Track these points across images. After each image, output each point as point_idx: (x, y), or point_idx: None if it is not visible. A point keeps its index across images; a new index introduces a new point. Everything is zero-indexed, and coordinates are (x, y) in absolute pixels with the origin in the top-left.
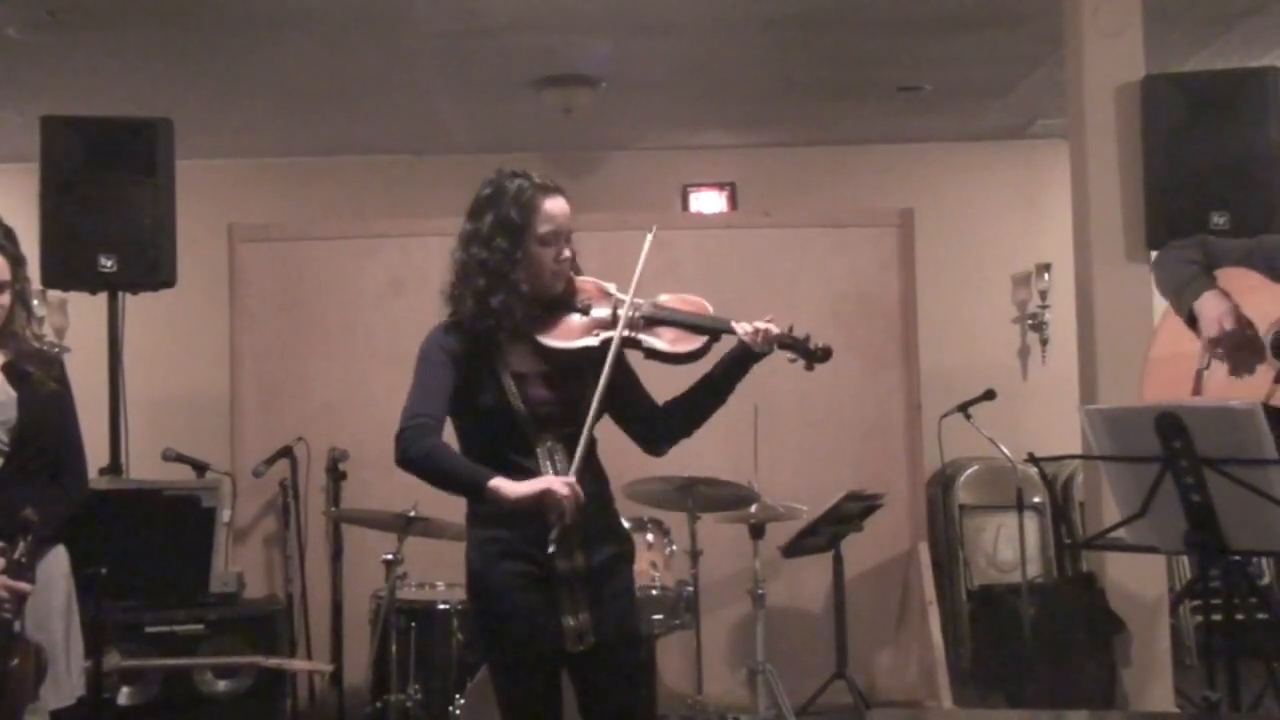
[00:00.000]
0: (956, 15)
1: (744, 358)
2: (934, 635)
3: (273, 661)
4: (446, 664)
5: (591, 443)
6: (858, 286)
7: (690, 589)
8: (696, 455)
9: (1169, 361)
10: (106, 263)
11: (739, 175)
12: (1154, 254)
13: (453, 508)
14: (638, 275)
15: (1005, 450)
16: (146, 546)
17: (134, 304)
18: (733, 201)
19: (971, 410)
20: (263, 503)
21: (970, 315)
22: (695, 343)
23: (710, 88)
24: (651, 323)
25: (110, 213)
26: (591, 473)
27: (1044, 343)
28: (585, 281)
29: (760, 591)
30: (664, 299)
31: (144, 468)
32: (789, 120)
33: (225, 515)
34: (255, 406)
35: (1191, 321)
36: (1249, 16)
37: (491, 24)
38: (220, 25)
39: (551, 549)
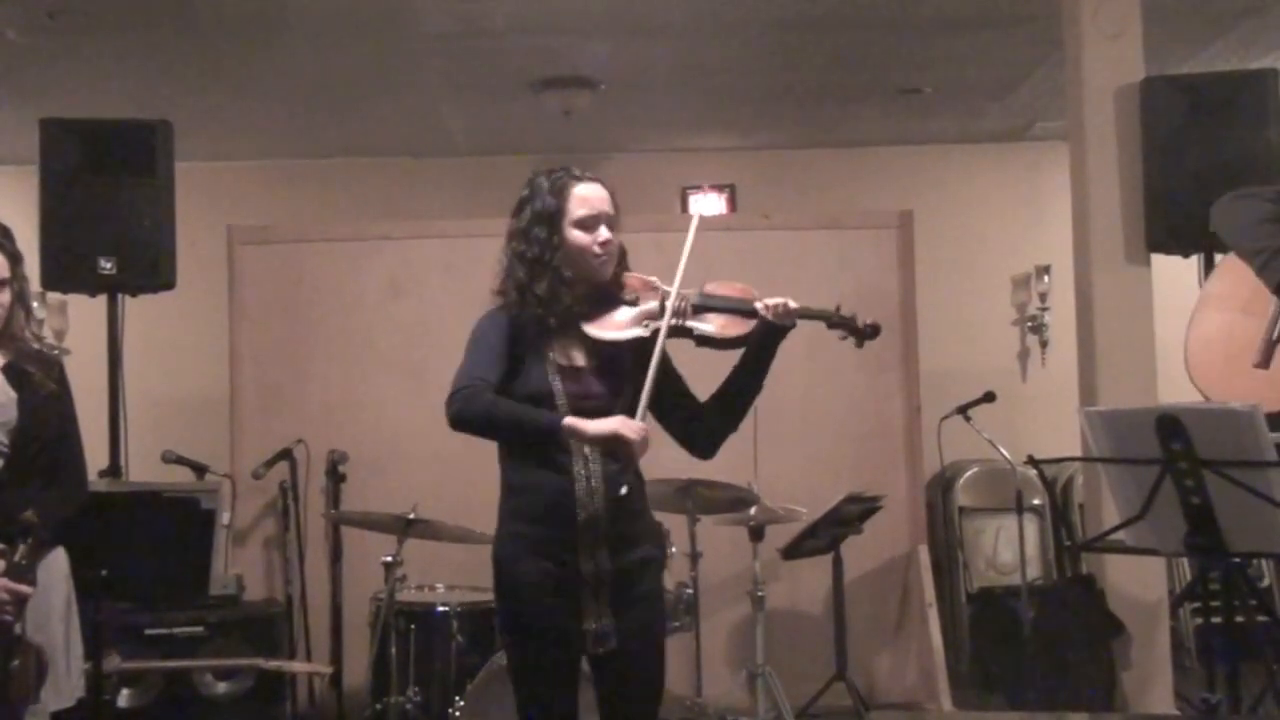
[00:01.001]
0: (956, 17)
1: (767, 336)
2: (934, 637)
3: (272, 664)
4: (446, 666)
5: None
6: (857, 289)
7: (690, 591)
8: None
9: (1227, 328)
10: (106, 265)
11: (739, 177)
12: (1210, 224)
13: (453, 510)
14: (683, 262)
15: (1005, 452)
16: (146, 549)
17: (133, 306)
18: (732, 204)
19: (971, 412)
20: (262, 505)
21: (970, 317)
22: (745, 326)
23: (710, 90)
24: (700, 309)
25: (110, 215)
26: (632, 470)
27: (1043, 345)
28: (631, 276)
29: (760, 593)
30: (711, 287)
31: (144, 470)
32: (789, 122)
33: (225, 517)
34: (255, 409)
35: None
36: (1248, 18)
37: (490, 26)
38: (219, 27)
39: (624, 490)
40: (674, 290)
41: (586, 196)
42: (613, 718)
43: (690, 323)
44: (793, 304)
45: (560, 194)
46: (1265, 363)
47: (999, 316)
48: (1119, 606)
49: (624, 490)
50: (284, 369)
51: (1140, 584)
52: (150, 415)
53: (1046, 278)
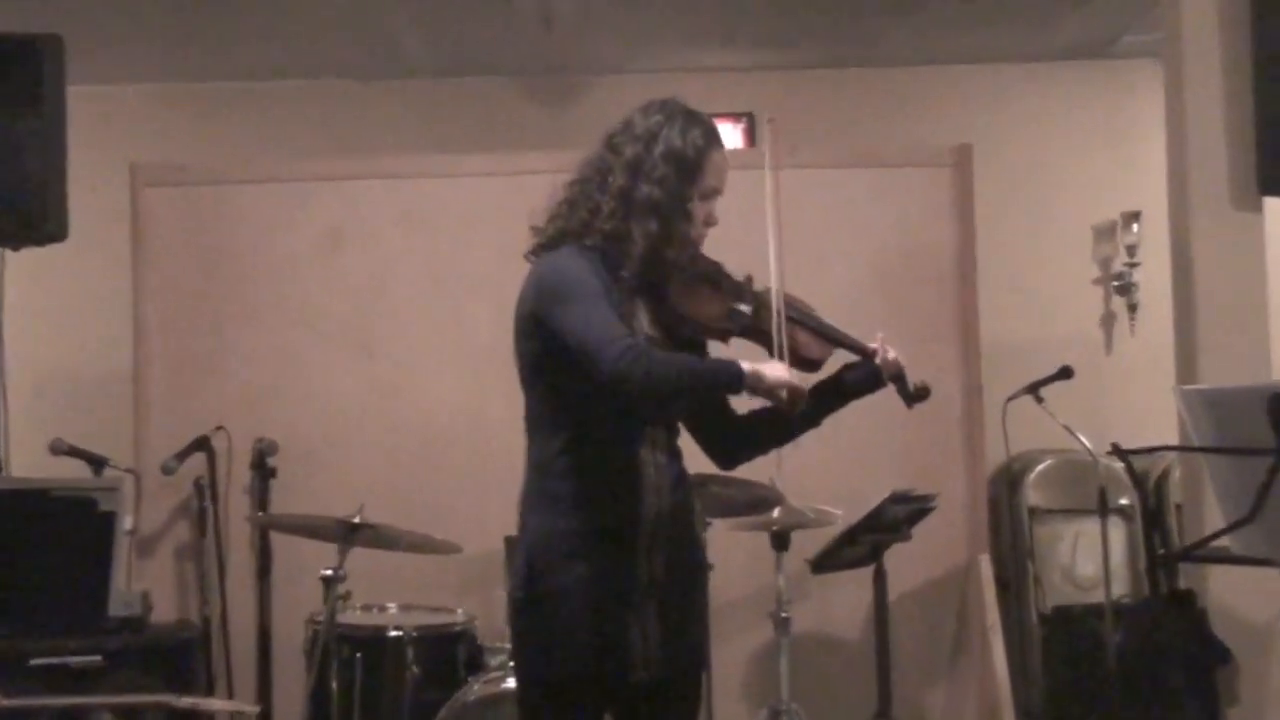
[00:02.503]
0: None
1: (869, 383)
2: (997, 668)
3: (186, 701)
4: (398, 703)
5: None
6: (903, 240)
7: None
8: None
9: None
10: None
11: (757, 104)
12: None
13: (409, 513)
14: (774, 249)
15: (1085, 441)
16: (30, 560)
17: (15, 262)
18: (750, 137)
19: (1043, 392)
20: (173, 506)
21: (1042, 275)
22: (826, 351)
23: None
24: (789, 320)
25: None
26: (685, 474)
27: (1132, 309)
28: (701, 255)
29: (784, 615)
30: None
31: (27, 463)
32: (818, 37)
33: (127, 522)
34: (164, 388)
35: None
36: None
37: None
38: None
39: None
40: (774, 286)
41: (721, 167)
42: None
43: (780, 333)
44: (894, 354)
45: (702, 152)
46: None
47: (1077, 274)
48: (1225, 629)
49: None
50: (200, 339)
51: (1250, 602)
52: (35, 396)
53: (1135, 227)
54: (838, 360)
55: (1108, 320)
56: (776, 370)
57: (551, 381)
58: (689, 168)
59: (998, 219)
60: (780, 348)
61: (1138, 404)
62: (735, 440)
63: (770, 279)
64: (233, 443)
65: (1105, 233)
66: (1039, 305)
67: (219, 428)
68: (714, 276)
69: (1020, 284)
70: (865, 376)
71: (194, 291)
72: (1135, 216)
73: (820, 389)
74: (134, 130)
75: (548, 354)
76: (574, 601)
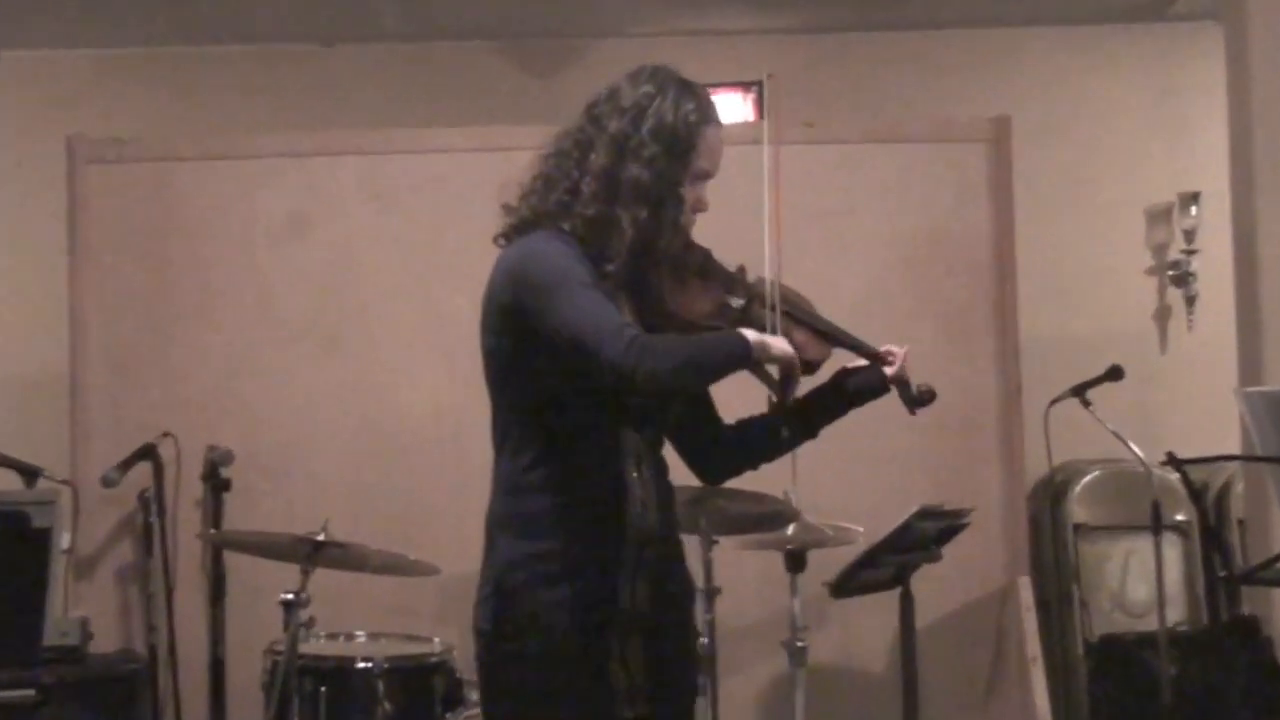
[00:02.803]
0: None
1: (873, 390)
2: (1038, 704)
3: None
4: None
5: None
6: (933, 224)
7: (705, 640)
8: None
9: None
10: None
11: (769, 71)
12: None
13: (379, 530)
14: (770, 235)
15: (1136, 449)
16: None
17: None
18: (760, 108)
19: (1090, 395)
20: (116, 522)
21: (1089, 264)
22: (823, 352)
23: None
24: (783, 316)
25: None
26: (671, 491)
27: (1189, 301)
28: (689, 243)
29: (800, 644)
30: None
31: None
32: None
33: (64, 539)
34: (105, 390)
35: None
36: None
37: None
38: None
39: (785, 433)
40: (769, 279)
41: (716, 147)
42: None
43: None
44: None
45: (694, 130)
46: None
47: (1128, 263)
48: None
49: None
50: (145, 334)
51: None
52: None
53: (1194, 209)
54: (836, 363)
55: (1162, 314)
56: (781, 342)
57: (526, 385)
58: (681, 147)
59: (1039, 201)
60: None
61: (1196, 408)
62: (722, 451)
63: (765, 270)
64: (181, 451)
65: (1160, 216)
66: (1085, 298)
67: (166, 434)
68: (703, 268)
69: (1064, 274)
70: (868, 381)
71: (138, 281)
72: (1193, 198)
73: (818, 395)
74: (71, 101)
75: (523, 352)
76: (550, 633)
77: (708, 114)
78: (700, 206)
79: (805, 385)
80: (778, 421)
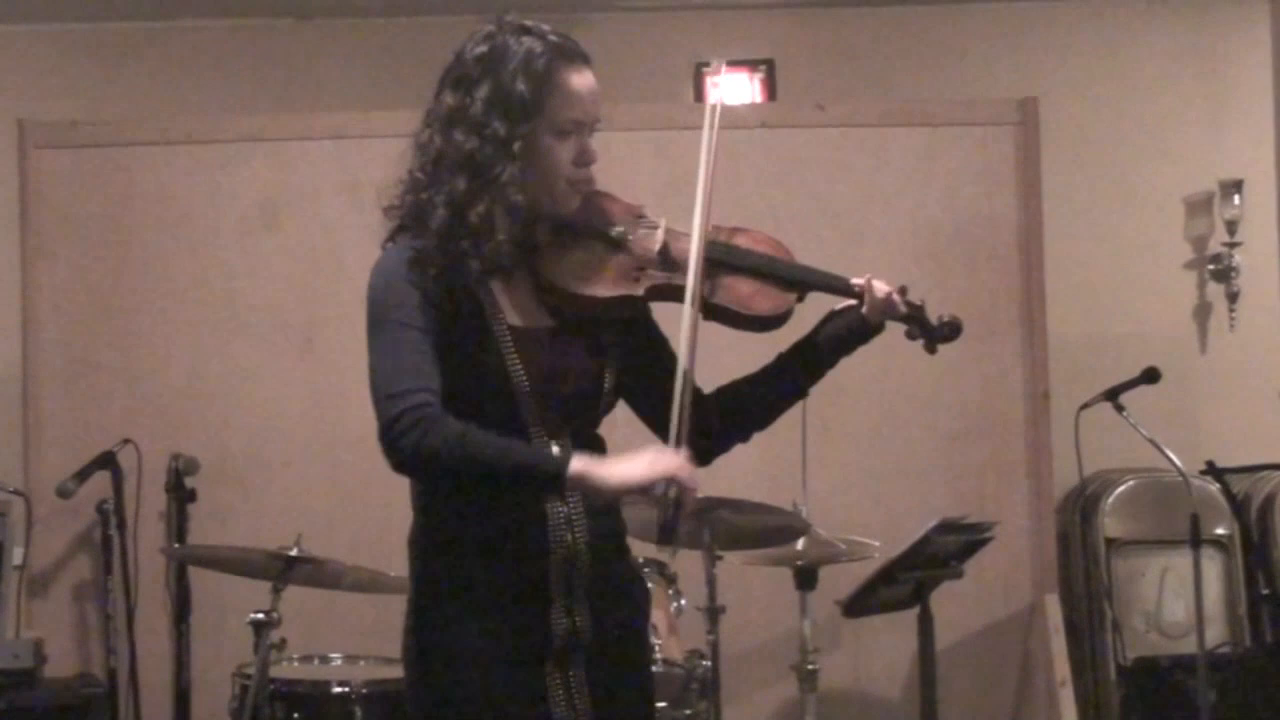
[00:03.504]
0: None
1: (853, 331)
2: None
3: None
4: None
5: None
6: (955, 215)
7: (707, 663)
8: (717, 465)
9: None
10: None
11: (779, 50)
12: None
13: (355, 544)
14: (703, 178)
15: (1174, 458)
16: None
17: None
18: (770, 88)
19: (1124, 399)
20: (72, 536)
21: (1123, 257)
22: (779, 301)
23: None
24: (720, 268)
25: None
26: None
27: (1232, 298)
28: (608, 200)
29: (811, 666)
30: (736, 237)
31: None
32: None
33: (16, 554)
34: (60, 393)
35: None
36: None
37: None
38: None
39: (671, 555)
40: (696, 227)
41: (579, 91)
42: None
43: (706, 286)
44: (897, 297)
45: (542, 81)
46: None
47: (1166, 256)
48: None
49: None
50: (103, 333)
51: None
52: None
53: (1237, 199)
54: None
55: (1202, 312)
56: (633, 470)
57: None
58: (522, 104)
59: (1069, 189)
60: (696, 299)
61: (1237, 413)
62: (701, 425)
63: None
64: (143, 459)
65: (1200, 206)
66: (1119, 294)
67: (126, 441)
68: (605, 225)
69: (1096, 268)
70: (852, 323)
71: (95, 276)
72: (1236, 186)
73: (799, 348)
74: (22, 81)
75: None
76: (481, 669)
77: (557, 59)
78: (585, 159)
79: (777, 337)
80: (665, 540)
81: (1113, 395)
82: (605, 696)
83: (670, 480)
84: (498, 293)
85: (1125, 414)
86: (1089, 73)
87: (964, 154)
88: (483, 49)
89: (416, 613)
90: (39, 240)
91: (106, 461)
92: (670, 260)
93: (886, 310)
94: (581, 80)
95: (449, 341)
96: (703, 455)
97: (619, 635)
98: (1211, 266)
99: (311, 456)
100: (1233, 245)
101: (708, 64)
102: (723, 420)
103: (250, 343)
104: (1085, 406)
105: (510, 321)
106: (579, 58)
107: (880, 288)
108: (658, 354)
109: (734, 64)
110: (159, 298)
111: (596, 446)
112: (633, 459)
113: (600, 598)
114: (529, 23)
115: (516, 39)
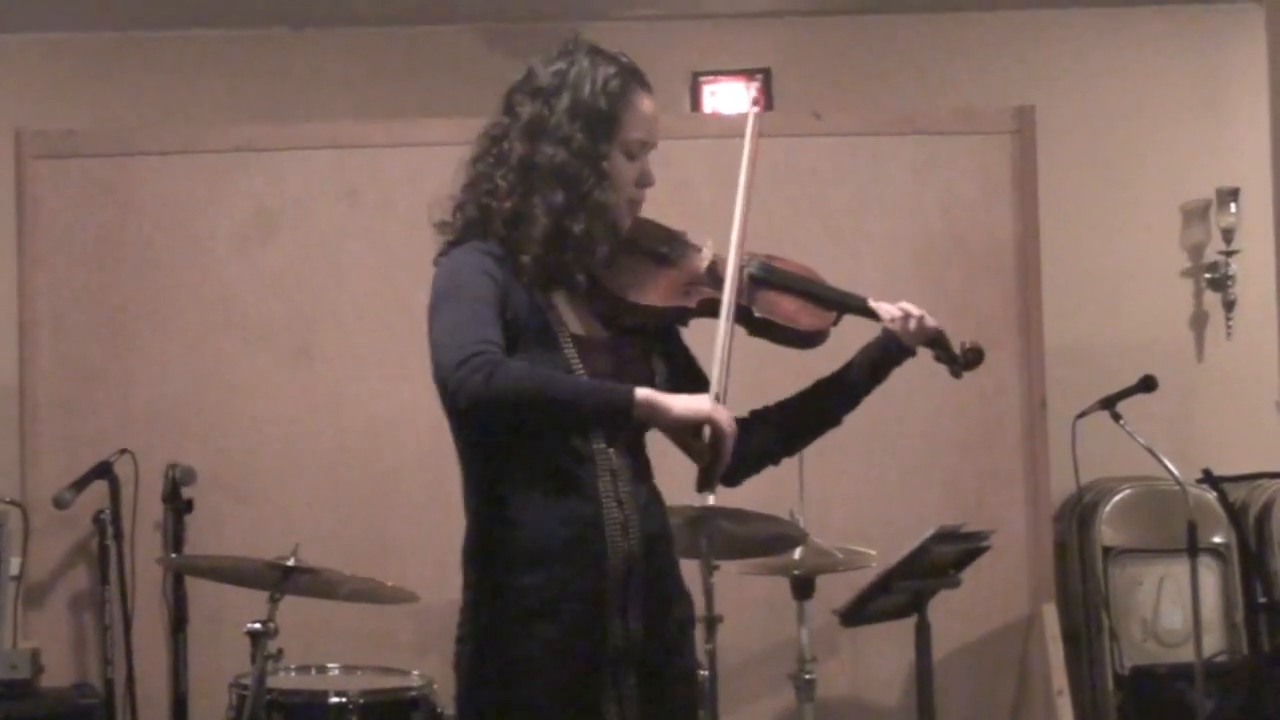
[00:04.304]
0: None
1: (886, 356)
2: None
3: None
4: None
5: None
6: (951, 224)
7: (705, 673)
8: None
9: None
10: None
11: (775, 58)
12: None
13: (353, 554)
14: (740, 208)
15: (1171, 467)
16: None
17: None
18: (766, 97)
19: (1121, 407)
20: (69, 546)
21: (1119, 266)
22: (821, 319)
23: None
24: (763, 285)
25: None
26: (657, 497)
27: (1229, 306)
28: (652, 222)
29: (808, 676)
30: (775, 260)
31: None
32: None
33: (13, 565)
34: (57, 403)
35: None
36: None
37: None
38: None
39: (710, 498)
40: (733, 243)
41: (647, 114)
42: None
43: (750, 300)
44: (930, 319)
45: (618, 99)
46: None
47: (1162, 265)
48: None
49: (710, 499)
50: (100, 343)
51: None
52: None
53: (1234, 207)
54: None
55: (1199, 320)
56: (693, 403)
57: None
58: (602, 120)
59: (1065, 197)
60: (730, 312)
61: (1234, 422)
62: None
63: (731, 244)
64: (140, 469)
65: (1196, 214)
66: (1115, 302)
67: (123, 451)
68: (655, 244)
69: (1093, 277)
70: (877, 347)
71: (92, 285)
72: (1233, 194)
73: (836, 375)
74: (19, 90)
75: None
76: (536, 676)
77: (631, 81)
78: (645, 181)
79: (813, 356)
80: (706, 485)
81: (1110, 404)
82: (656, 701)
83: (716, 425)
84: (560, 303)
85: (1122, 422)
86: (1085, 81)
87: (960, 163)
88: (560, 65)
89: (474, 620)
90: (35, 250)
91: (103, 471)
92: (718, 277)
93: (919, 335)
94: (649, 104)
95: (515, 348)
96: (733, 476)
97: (671, 638)
98: (1208, 275)
99: (309, 466)
100: (1230, 253)
101: (704, 73)
102: (764, 441)
103: (247, 352)
104: (1082, 415)
105: (573, 331)
106: (646, 83)
107: (893, 310)
108: (693, 372)
109: (729, 73)
110: (156, 307)
111: (643, 456)
112: (694, 399)
113: (654, 600)
114: (600, 46)
115: (591, 60)
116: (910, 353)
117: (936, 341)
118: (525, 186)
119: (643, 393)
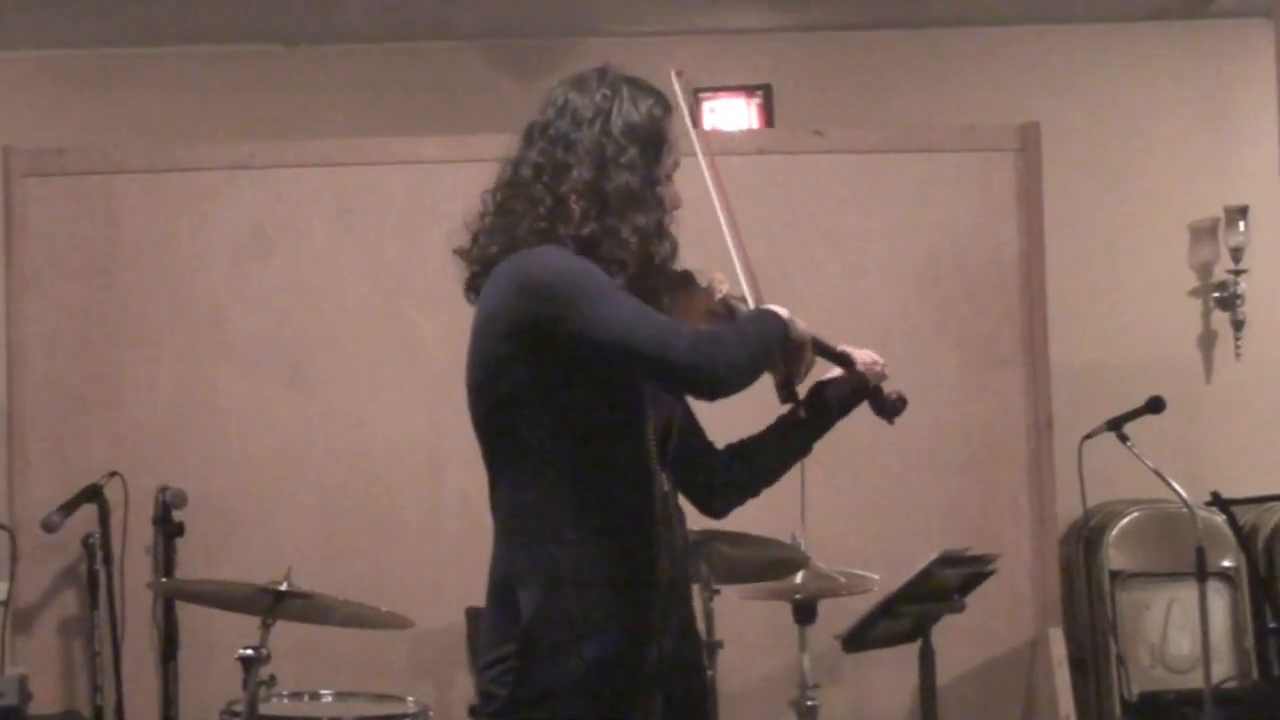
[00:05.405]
0: None
1: (855, 392)
2: None
3: None
4: None
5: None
6: (956, 242)
7: None
8: None
9: None
10: None
11: (776, 75)
12: None
13: (346, 579)
14: (726, 222)
15: (1179, 489)
16: None
17: None
18: (767, 114)
19: (1128, 429)
20: (58, 570)
21: (1126, 285)
22: (811, 359)
23: None
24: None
25: None
26: (681, 514)
27: (1237, 326)
28: None
29: (810, 702)
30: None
31: None
32: None
33: (1, 590)
34: (45, 424)
35: None
36: None
37: None
38: None
39: (802, 413)
40: (741, 268)
41: (678, 140)
42: None
43: None
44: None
45: (661, 120)
46: None
47: (1171, 283)
48: None
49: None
50: (89, 364)
51: None
52: None
53: (1242, 225)
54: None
55: (1207, 340)
56: (784, 313)
57: (544, 418)
58: (653, 144)
59: (1071, 215)
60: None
61: (1244, 443)
62: (723, 474)
63: (740, 280)
64: (130, 492)
65: (1204, 233)
66: (1122, 322)
67: (113, 474)
68: (687, 275)
69: (1099, 296)
70: (850, 389)
71: (81, 306)
72: (1241, 212)
73: (806, 408)
74: (8, 107)
75: (541, 378)
76: (581, 698)
77: (668, 107)
78: (677, 204)
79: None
80: (791, 407)
81: (1116, 425)
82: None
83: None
84: None
85: (1129, 444)
86: (1091, 98)
87: (965, 180)
88: (605, 90)
89: (522, 643)
90: (24, 269)
91: (92, 495)
92: (733, 308)
93: (874, 375)
94: (676, 130)
95: (587, 368)
96: (717, 508)
97: (693, 661)
98: (1217, 294)
99: (301, 489)
100: (1238, 272)
101: (704, 90)
102: (743, 474)
103: (239, 373)
104: (1089, 437)
105: None
106: (672, 109)
107: (873, 357)
108: (687, 415)
109: (729, 90)
110: (146, 328)
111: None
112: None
113: (682, 622)
114: (629, 74)
115: (631, 87)
116: (866, 397)
117: (874, 388)
118: (599, 210)
119: (782, 310)
